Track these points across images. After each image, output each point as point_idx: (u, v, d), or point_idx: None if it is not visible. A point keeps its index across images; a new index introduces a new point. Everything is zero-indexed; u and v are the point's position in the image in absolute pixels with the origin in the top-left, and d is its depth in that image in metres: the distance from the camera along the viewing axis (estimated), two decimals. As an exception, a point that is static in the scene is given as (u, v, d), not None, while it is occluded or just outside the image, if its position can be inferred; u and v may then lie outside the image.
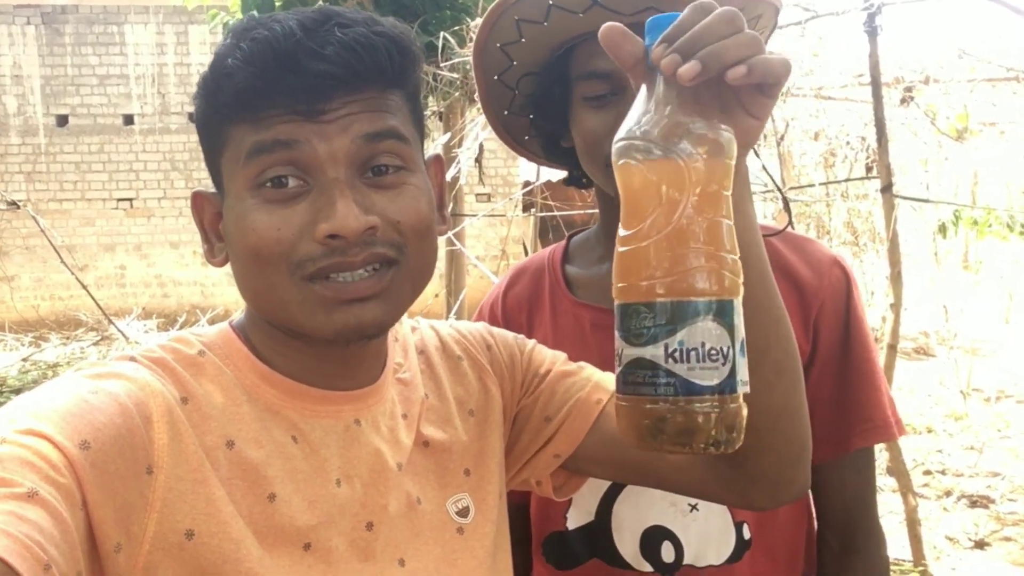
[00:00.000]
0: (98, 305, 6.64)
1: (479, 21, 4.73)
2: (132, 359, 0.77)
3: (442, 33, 4.61)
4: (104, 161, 10.98)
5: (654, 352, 0.66)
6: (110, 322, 7.25)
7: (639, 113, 0.69)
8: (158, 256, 11.09)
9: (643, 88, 0.70)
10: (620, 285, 0.69)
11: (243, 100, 0.74)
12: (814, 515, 1.23)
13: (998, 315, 10.41)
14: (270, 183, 0.75)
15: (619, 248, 0.69)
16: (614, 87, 1.04)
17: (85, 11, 10.85)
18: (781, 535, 1.17)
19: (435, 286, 6.94)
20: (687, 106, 0.67)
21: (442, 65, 4.69)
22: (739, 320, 0.67)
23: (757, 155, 1.19)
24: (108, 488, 0.66)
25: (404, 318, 0.97)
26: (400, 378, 0.91)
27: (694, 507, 1.13)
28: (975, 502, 4.68)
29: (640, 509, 1.14)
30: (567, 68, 1.09)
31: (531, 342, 1.02)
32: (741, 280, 0.69)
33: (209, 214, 0.83)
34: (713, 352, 0.65)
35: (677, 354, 0.65)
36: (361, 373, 0.85)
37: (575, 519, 1.18)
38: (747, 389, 0.68)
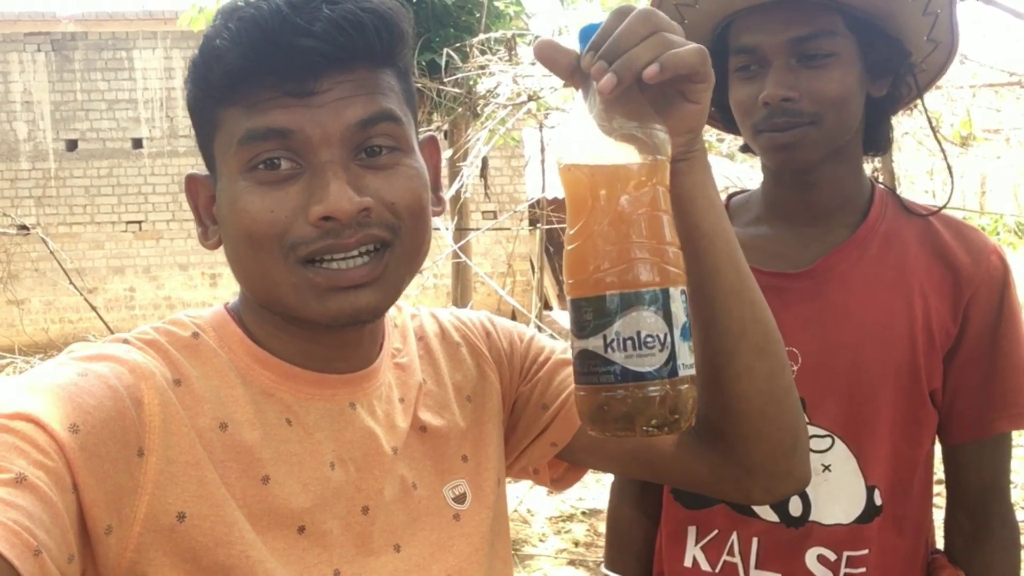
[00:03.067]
0: (108, 327, 6.65)
1: (481, 37, 4.77)
2: (125, 341, 0.77)
3: (445, 50, 4.65)
4: (113, 184, 11.07)
5: (595, 343, 0.70)
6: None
7: (577, 117, 0.72)
8: (167, 278, 11.14)
9: (579, 93, 0.74)
10: (568, 282, 0.73)
11: (233, 81, 0.73)
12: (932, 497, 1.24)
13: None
14: (263, 165, 0.74)
15: (566, 247, 0.73)
16: (758, 60, 1.12)
17: (94, 37, 10.98)
18: (912, 507, 1.19)
19: (441, 300, 6.95)
20: (620, 108, 0.71)
21: (445, 81, 4.73)
22: (677, 307, 0.70)
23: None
24: (98, 471, 0.66)
25: (405, 305, 0.97)
26: (398, 363, 0.90)
27: (827, 467, 1.15)
28: None
29: None
30: (726, 44, 1.17)
31: (531, 330, 1.02)
32: (681, 270, 0.72)
33: (203, 197, 0.83)
34: (649, 339, 0.69)
35: (615, 343, 0.69)
36: (357, 356, 0.85)
37: None
38: (691, 372, 0.72)
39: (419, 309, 0.99)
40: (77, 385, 0.68)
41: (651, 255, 0.70)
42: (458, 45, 4.85)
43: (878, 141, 1.22)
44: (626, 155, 0.70)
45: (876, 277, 1.16)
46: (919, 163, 6.45)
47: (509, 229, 7.51)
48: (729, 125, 1.26)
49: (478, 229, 5.14)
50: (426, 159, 0.83)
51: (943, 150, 1.60)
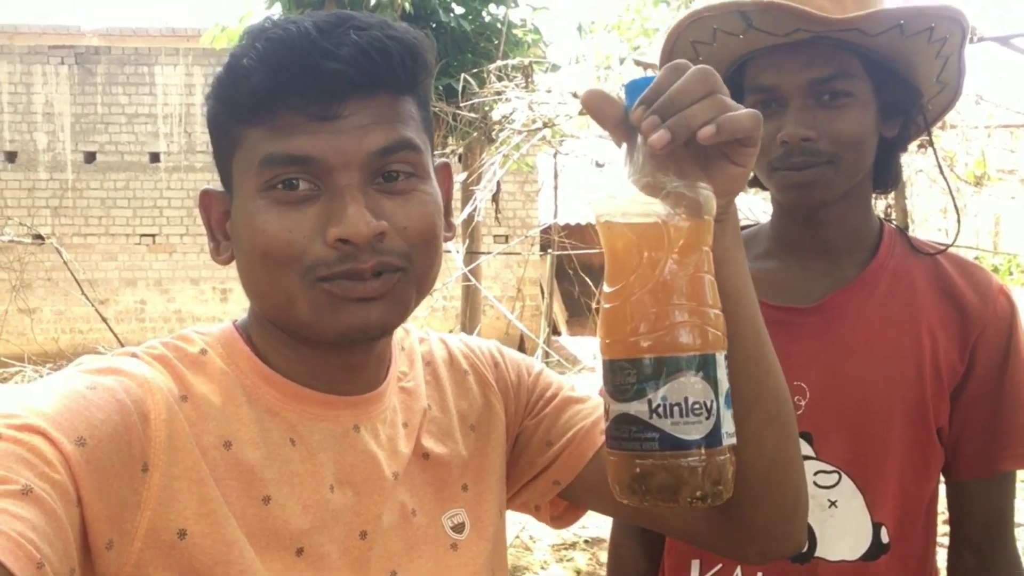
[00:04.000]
0: (117, 339, 6.68)
1: (499, 64, 4.81)
2: (134, 355, 0.77)
3: (463, 75, 4.69)
4: (129, 197, 11.16)
5: (638, 408, 0.67)
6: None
7: (618, 172, 0.71)
8: (178, 292, 11.20)
9: (624, 147, 0.73)
10: (606, 341, 0.70)
11: (257, 101, 0.73)
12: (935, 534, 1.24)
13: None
14: (281, 185, 0.75)
15: (604, 305, 0.70)
16: (776, 99, 1.12)
17: (117, 52, 11.12)
18: (918, 545, 1.18)
19: (450, 323, 6.95)
20: (666, 165, 0.69)
21: (462, 105, 4.76)
22: (722, 373, 0.68)
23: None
24: (103, 485, 0.66)
25: (413, 328, 0.97)
26: (404, 387, 0.90)
27: (833, 503, 1.15)
28: None
29: None
30: (741, 82, 1.17)
31: (540, 364, 1.02)
32: (724, 333, 0.70)
33: (216, 213, 0.83)
34: (697, 406, 0.66)
35: (661, 409, 0.66)
36: (363, 379, 0.85)
37: None
38: (733, 440, 0.69)
39: (428, 333, 0.99)
40: (85, 398, 0.68)
41: (698, 318, 0.68)
42: (475, 71, 4.89)
43: (888, 180, 1.23)
44: (672, 214, 0.68)
45: (885, 314, 1.17)
46: (932, 201, 6.44)
47: (520, 254, 7.52)
48: None
49: (489, 253, 5.15)
50: (440, 184, 0.84)
51: (950, 189, 1.61)
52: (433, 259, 0.81)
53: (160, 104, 11.17)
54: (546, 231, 6.48)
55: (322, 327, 0.77)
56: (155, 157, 11.19)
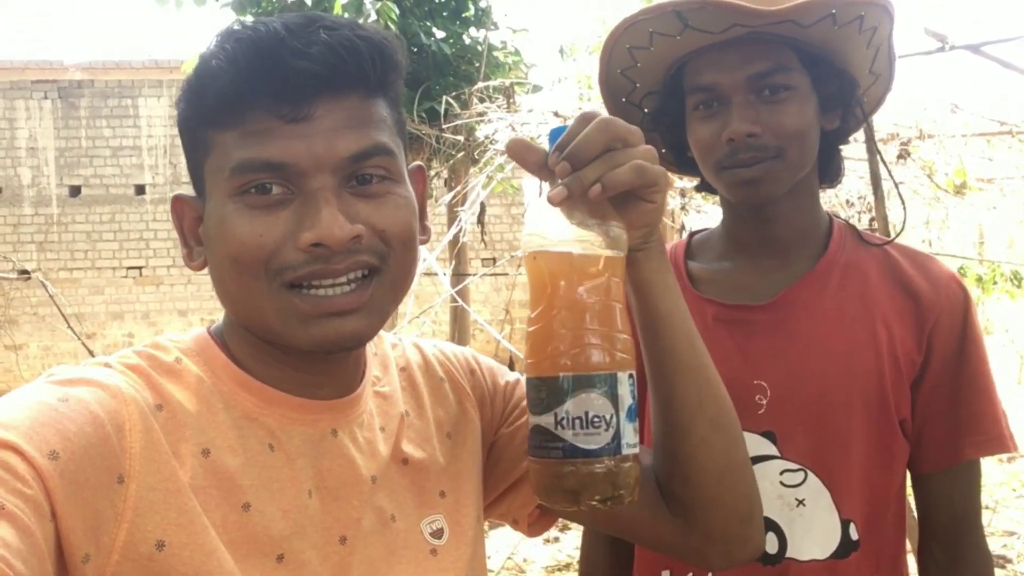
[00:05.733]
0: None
1: (480, 86, 4.84)
2: (106, 365, 0.76)
3: (444, 97, 4.71)
4: (115, 230, 11.12)
5: (547, 420, 0.76)
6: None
7: (542, 210, 0.79)
8: (166, 324, 11.13)
9: (545, 187, 0.80)
10: (527, 361, 0.79)
11: (227, 103, 0.73)
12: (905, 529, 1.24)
13: (1011, 375, 10.29)
14: (254, 189, 0.75)
15: (527, 328, 0.79)
16: (717, 98, 1.13)
17: (100, 85, 11.13)
18: (888, 540, 1.18)
19: (440, 348, 6.96)
20: (581, 206, 0.77)
21: (444, 128, 4.78)
22: (625, 390, 0.77)
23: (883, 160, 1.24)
24: (78, 499, 0.65)
25: (384, 334, 0.97)
26: (379, 391, 0.90)
27: (801, 502, 1.15)
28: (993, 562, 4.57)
29: None
30: (681, 84, 1.18)
31: (516, 374, 1.02)
32: (631, 356, 0.78)
33: (189, 218, 0.83)
34: (596, 419, 0.75)
35: (564, 421, 0.75)
36: (339, 383, 0.85)
37: None
38: (635, 450, 0.78)
39: (400, 339, 0.99)
40: (57, 411, 0.68)
41: (602, 341, 0.76)
42: (456, 93, 4.92)
43: (832, 173, 1.24)
44: (584, 248, 0.76)
45: (839, 307, 1.17)
46: (915, 213, 6.49)
47: (507, 275, 7.53)
48: (682, 166, 1.27)
49: (475, 275, 5.16)
50: (413, 187, 0.84)
51: (891, 174, 1.64)
52: (410, 263, 0.81)
53: (144, 136, 11.17)
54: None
55: (294, 338, 0.77)
56: (140, 189, 11.17)
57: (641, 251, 0.83)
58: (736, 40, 1.10)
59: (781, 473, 1.14)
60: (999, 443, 1.17)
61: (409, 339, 1.00)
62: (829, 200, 6.22)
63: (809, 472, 1.14)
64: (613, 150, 0.77)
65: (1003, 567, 4.49)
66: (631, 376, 0.77)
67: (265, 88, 0.72)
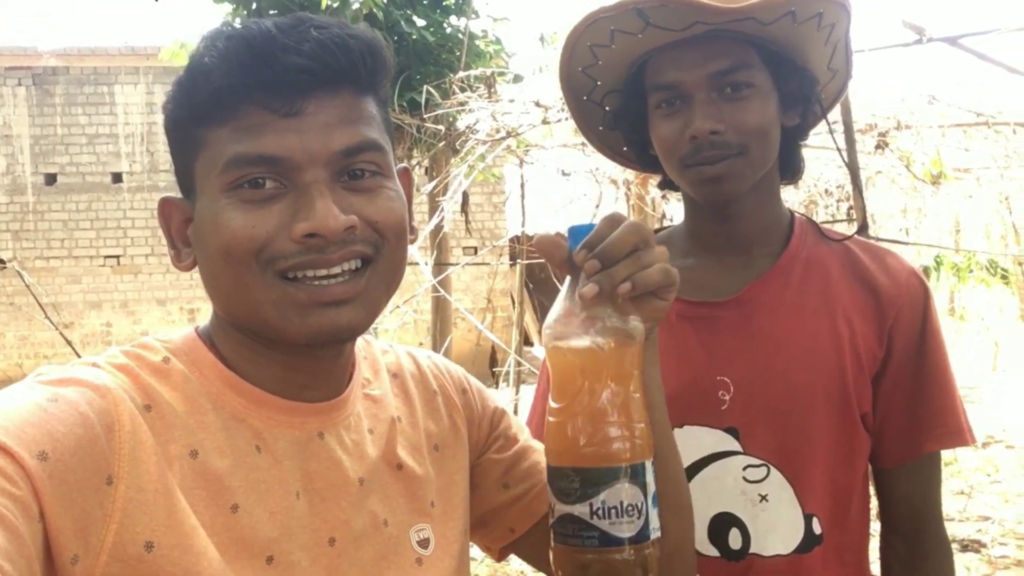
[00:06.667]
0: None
1: (462, 75, 4.83)
2: (95, 365, 0.76)
3: (425, 87, 4.69)
4: (92, 219, 11.02)
5: (581, 510, 0.78)
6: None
7: (567, 303, 0.82)
8: (144, 313, 11.05)
9: (568, 281, 0.83)
10: (552, 450, 0.81)
11: (220, 99, 0.74)
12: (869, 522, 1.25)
13: (986, 362, 10.44)
14: (247, 184, 0.75)
15: (549, 418, 0.81)
16: (679, 95, 1.13)
17: (76, 72, 11.00)
18: (851, 534, 1.19)
19: (421, 335, 6.93)
20: (603, 300, 0.80)
21: (426, 117, 4.77)
22: (650, 477, 0.80)
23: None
24: (66, 499, 0.65)
25: (373, 339, 0.98)
26: (369, 394, 0.90)
27: (764, 497, 1.15)
28: (967, 546, 4.64)
29: (710, 496, 1.16)
30: (643, 82, 1.17)
31: (503, 405, 1.04)
32: (651, 443, 0.81)
33: (176, 220, 0.83)
34: (630, 508, 0.78)
35: (600, 512, 0.77)
36: (328, 384, 0.85)
37: None
38: (659, 534, 0.80)
39: (391, 346, 0.99)
40: (47, 411, 0.67)
41: (630, 432, 0.79)
42: (438, 82, 4.90)
43: (793, 170, 1.25)
44: (610, 342, 0.79)
45: (802, 303, 1.18)
46: (892, 201, 6.55)
47: (488, 264, 7.52)
48: (644, 163, 1.27)
49: (457, 264, 5.15)
50: (401, 187, 0.85)
51: (849, 165, 1.64)
52: (402, 255, 0.82)
53: (121, 124, 11.05)
54: (515, 241, 6.49)
55: (290, 330, 0.77)
56: (117, 177, 11.06)
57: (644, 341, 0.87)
58: (698, 38, 1.10)
59: (744, 469, 1.15)
60: (958, 436, 1.19)
61: (402, 347, 1.00)
62: (809, 189, 6.28)
63: (772, 467, 1.15)
64: (639, 250, 0.81)
65: (977, 551, 4.57)
66: (652, 462, 0.81)
67: (258, 83, 0.73)
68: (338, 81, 0.76)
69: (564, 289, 0.83)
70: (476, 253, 10.54)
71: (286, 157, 0.74)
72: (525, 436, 1.01)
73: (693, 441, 1.16)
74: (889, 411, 1.18)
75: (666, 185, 1.26)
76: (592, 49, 1.17)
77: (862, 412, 1.17)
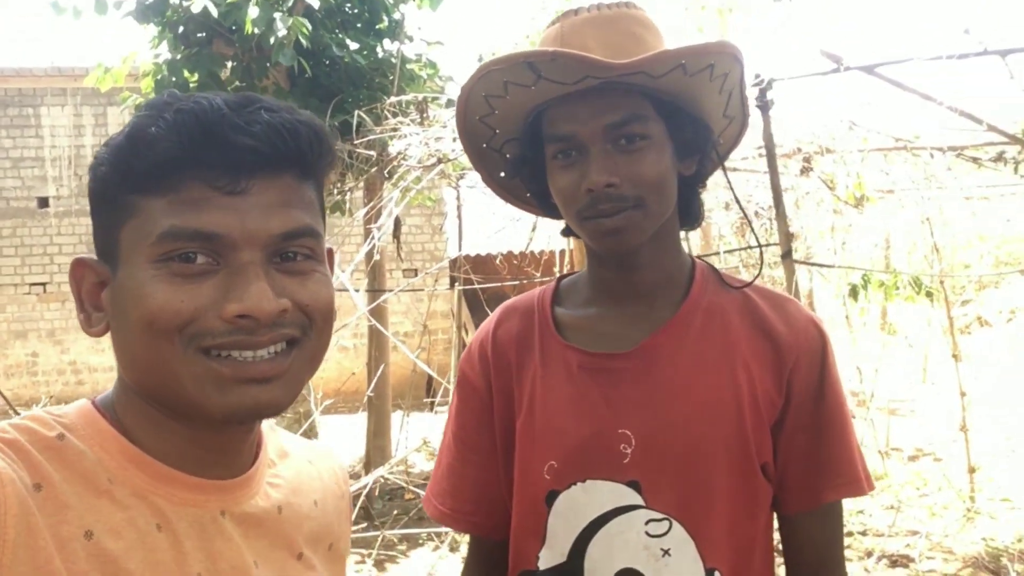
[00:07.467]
0: (5, 398, 6.33)
1: (394, 99, 4.81)
2: None
3: (356, 111, 4.65)
4: (16, 245, 10.67)
5: None
6: (16, 413, 6.90)
7: None
8: (72, 342, 10.72)
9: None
10: None
11: (162, 169, 0.73)
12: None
13: (916, 375, 10.73)
14: (178, 258, 0.74)
15: None
16: (575, 147, 1.12)
17: (0, 94, 10.68)
18: None
19: (361, 359, 6.84)
20: None
21: (356, 142, 4.73)
22: None
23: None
24: None
25: (280, 430, 0.98)
26: (274, 475, 0.90)
27: (666, 552, 1.14)
28: (895, 561, 4.73)
29: (614, 551, 1.14)
30: (540, 131, 1.17)
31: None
32: None
33: (89, 283, 0.81)
34: None
35: None
36: (235, 462, 0.83)
37: (547, 559, 1.18)
38: None
39: (293, 437, 1.00)
40: None
41: None
42: (369, 107, 4.87)
43: (692, 217, 1.25)
44: None
45: (701, 353, 1.17)
46: (821, 220, 6.71)
47: (422, 289, 7.48)
48: (547, 210, 1.26)
49: (390, 291, 5.10)
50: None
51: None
52: (327, 338, 0.84)
53: (48, 147, 10.75)
54: (454, 263, 6.47)
55: (207, 405, 0.75)
56: (44, 202, 10.74)
57: None
58: (591, 90, 1.10)
59: (647, 523, 1.13)
60: (855, 486, 1.19)
61: (301, 441, 1.00)
62: (738, 212, 6.39)
63: (674, 521, 1.14)
64: None
65: (906, 566, 4.66)
66: None
67: (205, 159, 0.73)
68: (283, 164, 0.77)
69: None
70: (416, 275, 10.49)
71: (224, 235, 0.74)
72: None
73: (596, 495, 1.14)
74: (789, 460, 1.18)
75: (568, 232, 1.25)
76: (487, 99, 1.16)
77: (762, 462, 1.17)
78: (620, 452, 1.14)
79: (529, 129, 1.19)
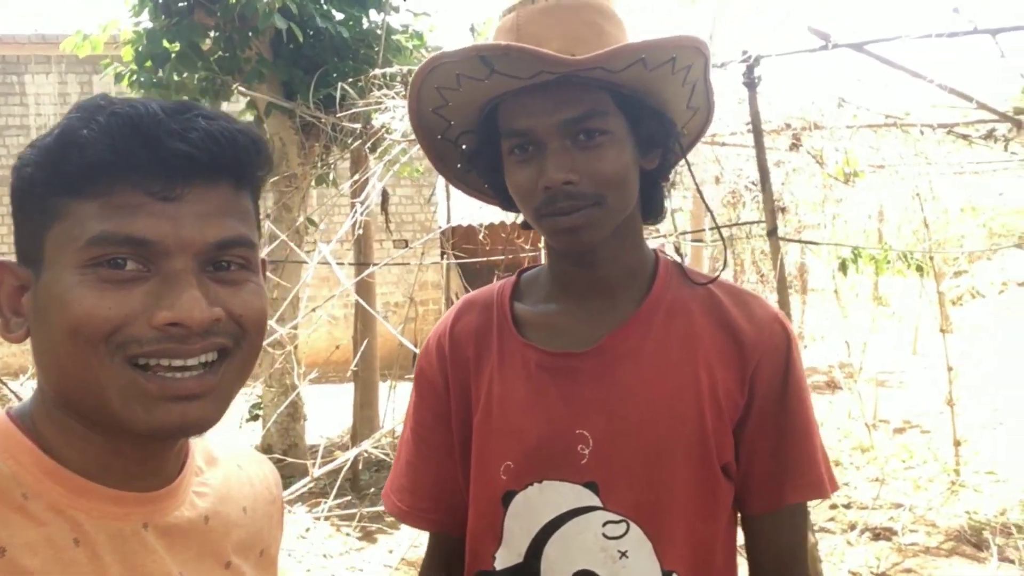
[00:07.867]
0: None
1: (378, 72, 4.73)
2: None
3: (340, 84, 4.59)
4: (3, 214, 10.58)
5: None
6: (2, 383, 6.89)
7: None
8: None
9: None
10: None
11: (93, 173, 0.72)
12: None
13: (907, 347, 10.78)
14: (107, 263, 0.72)
15: None
16: (532, 142, 1.08)
17: (-17, 61, 10.53)
18: None
19: (350, 330, 6.82)
20: None
21: (340, 115, 4.66)
22: None
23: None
24: None
25: (209, 435, 0.95)
26: (200, 483, 0.87)
27: (624, 554, 1.12)
28: (878, 534, 4.77)
29: (570, 553, 1.12)
30: (496, 125, 1.13)
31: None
32: None
33: (9, 287, 0.78)
34: None
35: None
36: (159, 474, 0.81)
37: (503, 560, 1.16)
38: None
39: (225, 443, 0.97)
40: None
41: None
42: (354, 80, 4.80)
43: (654, 211, 1.22)
44: None
45: (663, 352, 1.14)
46: (811, 194, 6.68)
47: (408, 264, 7.45)
48: (506, 203, 1.22)
49: (376, 264, 5.06)
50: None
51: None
52: (258, 349, 0.82)
53: (33, 115, 10.63)
54: (444, 235, 6.44)
55: (133, 420, 0.73)
56: (30, 171, 10.65)
57: None
58: (548, 84, 1.06)
59: (604, 525, 1.11)
60: (818, 488, 1.17)
61: (239, 445, 0.99)
62: (729, 186, 6.36)
63: (631, 523, 1.12)
64: None
65: (888, 539, 4.70)
66: None
67: (140, 164, 0.72)
68: (219, 172, 0.76)
69: None
70: (406, 246, 10.45)
71: (157, 241, 0.72)
72: None
73: (552, 496, 1.12)
74: (752, 460, 1.16)
75: (526, 226, 1.21)
76: (440, 92, 1.12)
77: (724, 462, 1.14)
78: (578, 453, 1.12)
79: (485, 122, 1.14)
